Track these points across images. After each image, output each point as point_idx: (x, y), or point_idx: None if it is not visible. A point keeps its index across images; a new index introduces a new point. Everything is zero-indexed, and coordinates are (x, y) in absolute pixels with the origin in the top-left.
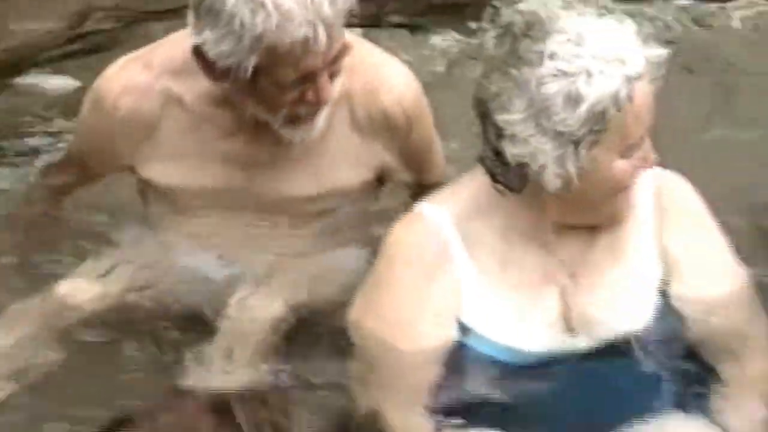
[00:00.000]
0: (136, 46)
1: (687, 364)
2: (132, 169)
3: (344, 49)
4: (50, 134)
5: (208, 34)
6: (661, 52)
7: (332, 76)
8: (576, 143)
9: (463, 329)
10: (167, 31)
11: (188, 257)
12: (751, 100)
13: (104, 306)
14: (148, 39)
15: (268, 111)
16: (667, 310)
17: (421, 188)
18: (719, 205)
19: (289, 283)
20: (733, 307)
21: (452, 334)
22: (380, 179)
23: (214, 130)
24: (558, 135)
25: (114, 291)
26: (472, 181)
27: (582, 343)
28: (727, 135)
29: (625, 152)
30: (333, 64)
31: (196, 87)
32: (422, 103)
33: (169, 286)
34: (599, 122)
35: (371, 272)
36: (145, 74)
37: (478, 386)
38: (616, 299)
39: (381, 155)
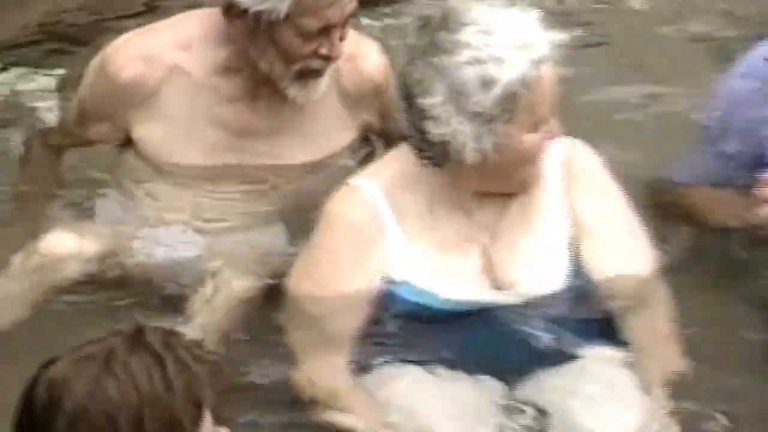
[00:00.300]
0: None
1: (597, 317)
2: (126, 135)
3: (355, 9)
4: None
5: None
6: (563, 36)
7: (341, 38)
8: (491, 122)
9: (394, 283)
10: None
11: (163, 229)
12: (652, 80)
13: (82, 266)
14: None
15: (285, 63)
16: (577, 267)
17: (391, 137)
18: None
19: (262, 256)
20: (638, 265)
21: (379, 289)
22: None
23: (212, 98)
24: (475, 115)
25: (91, 251)
26: (400, 156)
27: (501, 296)
28: (629, 115)
29: (534, 127)
30: (346, 22)
31: (201, 59)
32: (389, 67)
33: (144, 258)
34: (511, 102)
35: (310, 240)
36: (152, 45)
37: (409, 330)
38: (531, 257)
39: (365, 116)
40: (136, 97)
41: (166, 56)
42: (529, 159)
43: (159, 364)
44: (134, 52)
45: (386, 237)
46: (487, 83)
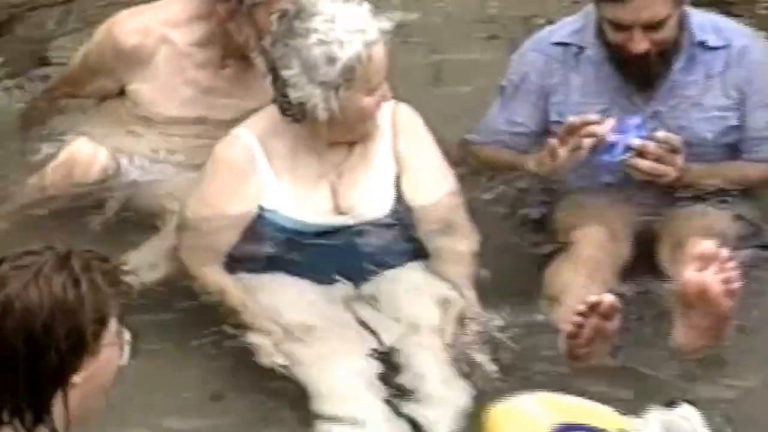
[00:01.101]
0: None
1: (415, 235)
2: (121, 88)
3: None
4: None
5: None
6: (389, 24)
7: None
8: (335, 89)
9: (265, 210)
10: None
11: (143, 159)
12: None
13: (97, 168)
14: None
15: (258, 37)
16: (399, 197)
17: None
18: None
19: None
20: (445, 199)
21: (253, 212)
22: None
23: (189, 64)
24: (323, 84)
25: (105, 159)
26: (270, 112)
27: (343, 219)
28: (446, 90)
29: (369, 92)
30: None
31: (184, 33)
32: None
33: (124, 188)
34: (350, 74)
35: (200, 176)
36: (149, 21)
37: (276, 245)
38: (365, 190)
39: None
40: (133, 60)
41: (158, 30)
42: (366, 116)
43: (75, 283)
44: (135, 25)
45: (259, 174)
46: (331, 60)
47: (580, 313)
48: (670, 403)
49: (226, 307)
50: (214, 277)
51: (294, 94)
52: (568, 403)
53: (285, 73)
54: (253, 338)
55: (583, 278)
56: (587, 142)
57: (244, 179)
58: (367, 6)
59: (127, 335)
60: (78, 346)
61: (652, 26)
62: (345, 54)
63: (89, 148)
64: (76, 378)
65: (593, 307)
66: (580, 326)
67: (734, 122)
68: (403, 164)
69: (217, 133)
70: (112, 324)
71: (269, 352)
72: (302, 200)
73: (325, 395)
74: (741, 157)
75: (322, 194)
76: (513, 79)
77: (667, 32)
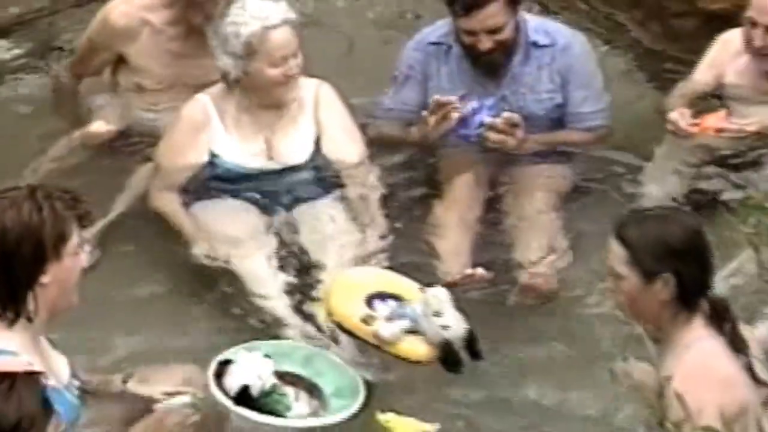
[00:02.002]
0: None
1: (331, 180)
2: (120, 57)
3: None
4: None
5: None
6: (293, 15)
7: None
8: (240, 58)
9: (215, 156)
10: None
11: (142, 113)
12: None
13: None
14: None
15: (207, 20)
16: (318, 151)
17: None
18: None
19: None
20: (354, 152)
21: (205, 156)
22: None
23: (164, 38)
24: (231, 54)
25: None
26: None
27: (274, 164)
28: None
29: (272, 65)
30: None
31: (160, 16)
32: None
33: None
34: (248, 48)
35: (168, 129)
36: (132, 7)
37: (222, 182)
38: (293, 144)
39: None
40: (124, 36)
41: (141, 14)
42: (274, 84)
43: (38, 209)
44: (123, 10)
45: (212, 128)
46: (236, 35)
47: (456, 282)
48: (428, 284)
49: (173, 225)
50: (167, 202)
51: (217, 63)
52: (385, 276)
53: (211, 44)
54: (194, 248)
55: (456, 216)
56: (454, 116)
57: (199, 130)
58: (282, 2)
59: (87, 246)
60: (41, 255)
61: (493, 31)
62: (246, 31)
63: (100, 126)
64: (44, 279)
65: (469, 276)
66: (455, 284)
67: (559, 101)
68: (322, 128)
69: (191, 91)
70: (74, 238)
71: (205, 255)
72: (243, 148)
73: (250, 280)
74: (566, 127)
75: (259, 145)
76: (402, 70)
77: (506, 34)
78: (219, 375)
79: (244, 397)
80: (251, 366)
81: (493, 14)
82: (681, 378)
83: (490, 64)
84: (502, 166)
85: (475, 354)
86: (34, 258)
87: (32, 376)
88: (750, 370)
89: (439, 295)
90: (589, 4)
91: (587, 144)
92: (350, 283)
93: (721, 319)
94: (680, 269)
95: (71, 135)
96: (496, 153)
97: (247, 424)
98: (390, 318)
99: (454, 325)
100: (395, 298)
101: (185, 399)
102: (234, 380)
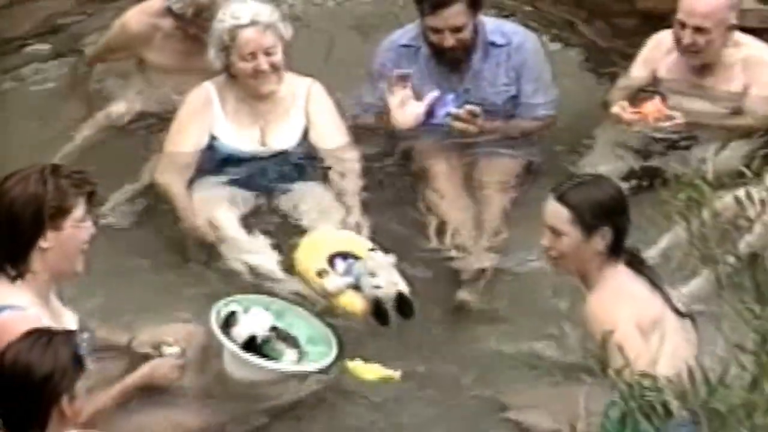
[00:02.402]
0: None
1: (318, 167)
2: (138, 56)
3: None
4: None
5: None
6: (267, 17)
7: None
8: (222, 52)
9: (215, 139)
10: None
11: (165, 94)
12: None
13: (128, 115)
14: None
15: (202, 30)
16: (305, 139)
17: None
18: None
19: None
20: (340, 142)
21: (206, 139)
22: None
23: (172, 39)
24: (216, 48)
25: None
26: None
27: (265, 149)
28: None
29: (242, 59)
30: None
31: (169, 21)
32: None
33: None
34: (223, 43)
35: (175, 116)
36: (146, 14)
37: (222, 164)
38: (281, 132)
39: None
40: (140, 40)
41: (153, 20)
42: (247, 76)
43: (43, 183)
44: (137, 17)
45: (213, 112)
46: (217, 32)
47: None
48: (371, 249)
49: (170, 203)
50: (166, 178)
51: (212, 56)
52: (351, 238)
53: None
54: (184, 225)
55: (447, 202)
56: (425, 106)
57: (202, 115)
58: (264, 5)
59: (89, 221)
60: (40, 221)
61: (456, 29)
62: (221, 28)
63: (120, 107)
64: (43, 244)
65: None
66: None
67: (513, 93)
68: (311, 120)
69: (196, 80)
70: (76, 211)
71: (195, 233)
72: (240, 134)
73: (235, 246)
74: (518, 116)
75: (254, 132)
76: (377, 68)
77: (466, 34)
78: (224, 326)
79: (250, 345)
80: (256, 318)
81: (456, 14)
82: (596, 298)
83: (453, 61)
84: (465, 150)
85: (404, 314)
86: (34, 224)
87: (70, 334)
88: (669, 301)
89: (377, 258)
90: (536, 8)
91: (536, 131)
92: (318, 240)
93: (639, 263)
94: (615, 222)
95: (95, 117)
96: (460, 139)
97: (251, 371)
98: (343, 275)
99: (385, 286)
100: (356, 258)
101: (175, 349)
102: (242, 330)
